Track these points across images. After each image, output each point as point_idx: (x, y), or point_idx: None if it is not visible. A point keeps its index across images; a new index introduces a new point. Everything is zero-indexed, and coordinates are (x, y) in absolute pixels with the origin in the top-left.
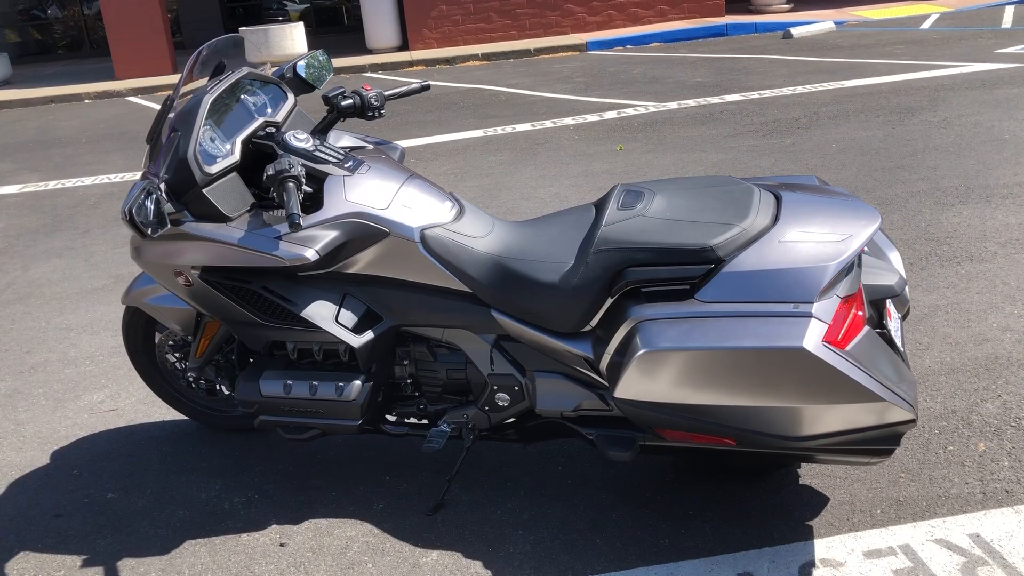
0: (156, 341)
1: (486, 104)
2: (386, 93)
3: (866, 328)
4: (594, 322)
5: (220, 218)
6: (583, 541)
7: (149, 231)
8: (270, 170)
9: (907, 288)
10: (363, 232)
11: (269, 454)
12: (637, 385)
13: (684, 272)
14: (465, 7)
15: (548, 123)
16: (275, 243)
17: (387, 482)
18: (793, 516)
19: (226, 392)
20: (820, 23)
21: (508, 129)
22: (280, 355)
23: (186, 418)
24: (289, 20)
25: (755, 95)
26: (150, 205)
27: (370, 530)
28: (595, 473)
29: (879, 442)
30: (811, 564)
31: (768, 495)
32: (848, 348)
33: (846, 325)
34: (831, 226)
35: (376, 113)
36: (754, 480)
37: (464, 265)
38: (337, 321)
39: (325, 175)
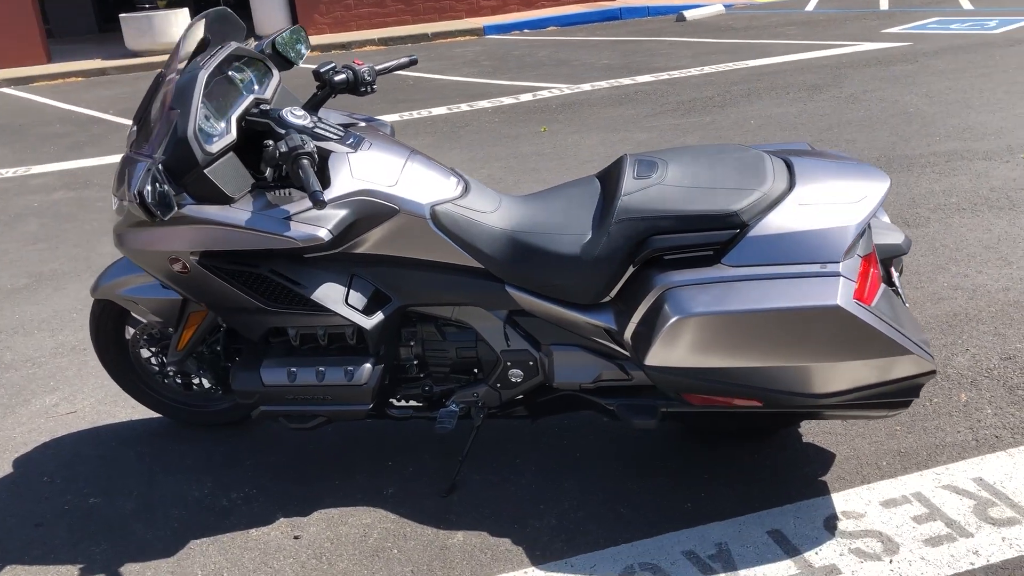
0: (128, 336)
1: (394, 89)
2: (376, 68)
3: (883, 285)
4: (614, 292)
5: (222, 200)
6: (607, 512)
7: (159, 214)
8: (283, 147)
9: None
10: (372, 210)
11: (256, 447)
12: (669, 352)
13: (710, 238)
14: None
15: (464, 106)
16: (285, 224)
17: (391, 467)
18: (806, 473)
19: (206, 385)
20: (711, 6)
21: (424, 113)
22: (278, 342)
23: (157, 416)
24: (157, 7)
25: (665, 76)
26: (160, 187)
27: (386, 516)
28: (601, 445)
29: (900, 394)
30: (834, 517)
31: (776, 455)
32: (872, 304)
33: (869, 283)
34: (846, 188)
35: (368, 88)
36: (758, 441)
37: (476, 241)
38: (347, 303)
39: (328, 152)
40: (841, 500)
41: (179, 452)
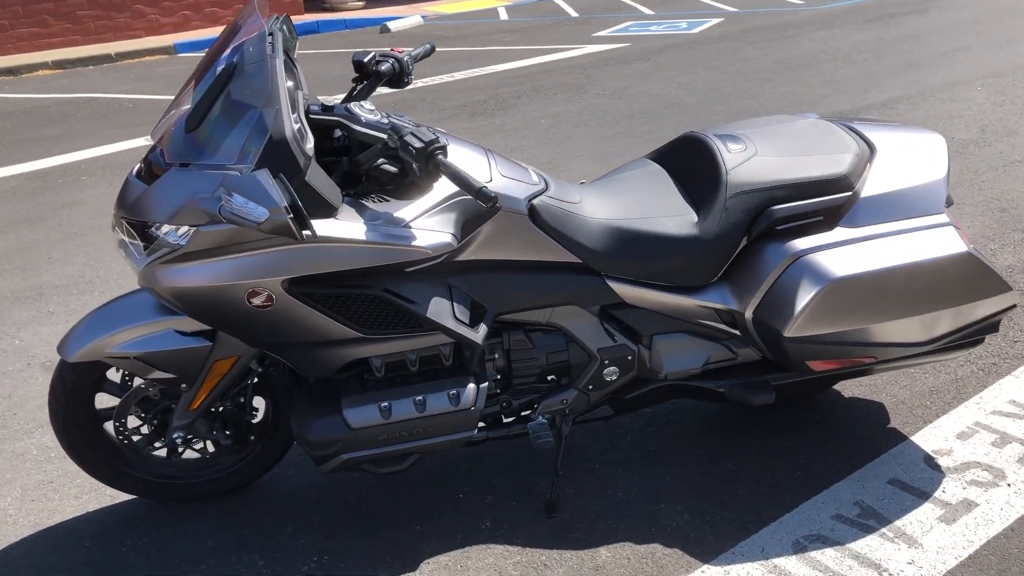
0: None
1: (113, 113)
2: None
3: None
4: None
5: (322, 212)
6: (730, 496)
7: (312, 230)
8: (414, 142)
9: None
10: (475, 210)
11: (277, 510)
12: (812, 320)
13: (826, 203)
14: (12, 9)
15: None
16: (408, 232)
17: (463, 499)
18: (873, 425)
19: (211, 449)
20: (409, 17)
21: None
22: (347, 378)
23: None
24: None
25: (421, 83)
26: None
27: (507, 549)
28: (665, 437)
29: (984, 331)
30: (930, 457)
31: (829, 417)
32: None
33: (962, 229)
34: (917, 146)
35: (409, 80)
36: (799, 406)
37: (574, 234)
38: (456, 318)
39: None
40: (922, 442)
41: (188, 535)
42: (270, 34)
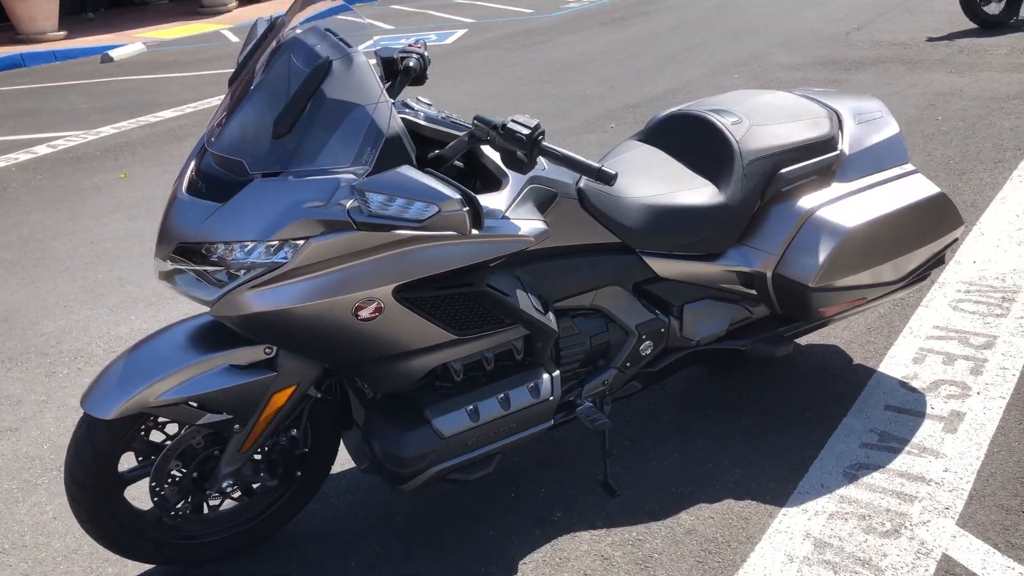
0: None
1: None
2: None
3: None
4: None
5: None
6: (763, 446)
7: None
8: (521, 130)
9: None
10: (542, 197)
11: (333, 543)
12: (833, 268)
13: (823, 162)
14: None
15: None
16: (511, 223)
17: (517, 498)
18: (842, 368)
19: (242, 495)
20: (131, 45)
21: None
22: (420, 388)
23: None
24: None
25: (178, 111)
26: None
27: (594, 534)
28: (666, 413)
29: (936, 264)
30: (902, 382)
31: (801, 370)
32: None
33: None
34: (868, 107)
35: (426, 76)
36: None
37: (614, 215)
38: (536, 308)
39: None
40: (889, 371)
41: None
42: (327, 30)
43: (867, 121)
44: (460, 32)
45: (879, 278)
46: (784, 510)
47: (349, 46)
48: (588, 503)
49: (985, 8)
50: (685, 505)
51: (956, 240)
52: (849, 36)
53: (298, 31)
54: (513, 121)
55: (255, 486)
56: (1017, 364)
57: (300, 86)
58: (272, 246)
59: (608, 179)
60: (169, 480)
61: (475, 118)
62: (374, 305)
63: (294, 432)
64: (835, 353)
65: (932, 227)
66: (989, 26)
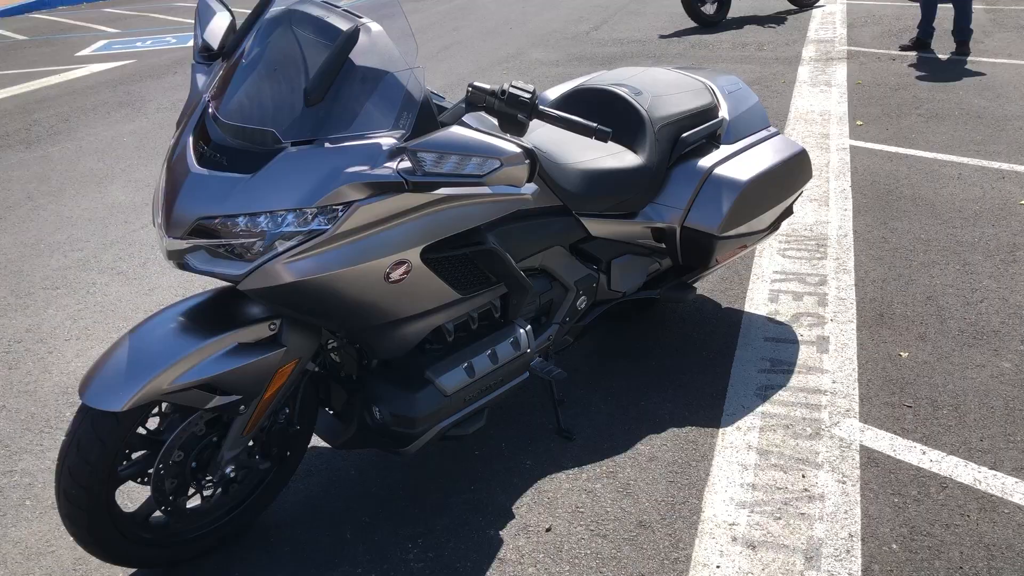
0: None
1: None
2: None
3: None
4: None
5: None
6: (680, 382)
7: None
8: (523, 95)
9: None
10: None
11: (319, 519)
12: (733, 219)
13: (713, 127)
14: None
15: None
16: None
17: (483, 455)
18: (715, 313)
19: (250, 473)
20: None
21: None
22: (413, 351)
23: None
24: None
25: None
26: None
27: (569, 474)
28: (582, 367)
29: (787, 215)
30: (768, 318)
31: (683, 319)
32: None
33: None
34: (727, 81)
35: None
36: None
37: (558, 179)
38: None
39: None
40: (753, 310)
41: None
42: (335, 5)
43: (734, 91)
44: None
45: (760, 226)
46: (721, 430)
47: (358, 16)
48: (551, 449)
49: (703, 8)
50: (635, 439)
51: (802, 192)
52: (589, 35)
53: (295, 3)
54: (513, 86)
55: (240, 471)
56: (851, 295)
57: (331, 54)
58: (309, 214)
59: (604, 136)
60: (170, 472)
61: (471, 85)
62: (404, 267)
63: (287, 410)
64: (704, 301)
65: (795, 179)
66: (706, 25)
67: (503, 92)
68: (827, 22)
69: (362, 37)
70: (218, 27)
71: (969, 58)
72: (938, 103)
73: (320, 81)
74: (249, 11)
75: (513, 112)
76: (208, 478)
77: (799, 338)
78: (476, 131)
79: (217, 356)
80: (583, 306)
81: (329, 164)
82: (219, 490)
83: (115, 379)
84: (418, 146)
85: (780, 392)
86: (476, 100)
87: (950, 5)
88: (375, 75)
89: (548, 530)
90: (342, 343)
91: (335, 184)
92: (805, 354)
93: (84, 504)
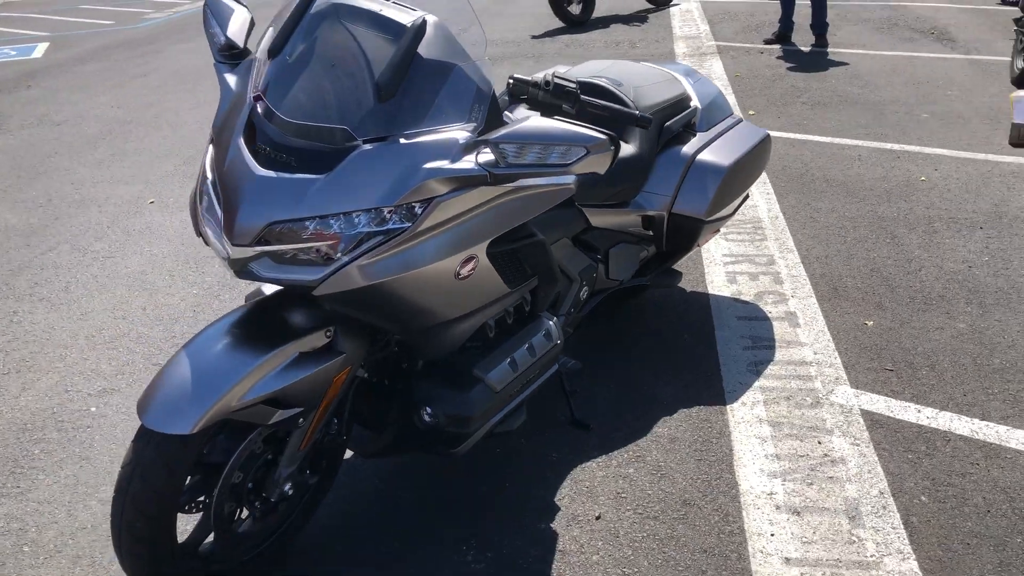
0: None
1: None
2: None
3: None
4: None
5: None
6: (676, 365)
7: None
8: (568, 85)
9: None
10: None
11: (358, 524)
12: (717, 202)
13: (688, 115)
14: None
15: None
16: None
17: (503, 454)
18: (685, 300)
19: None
20: None
21: None
22: (454, 351)
23: None
24: None
25: None
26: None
27: (598, 463)
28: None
29: (747, 196)
30: (733, 298)
31: (651, 308)
32: None
33: None
34: (688, 72)
35: None
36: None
37: None
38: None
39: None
40: (717, 292)
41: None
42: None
43: (696, 81)
44: (43, 45)
45: (731, 209)
46: (729, 406)
47: (413, 8)
48: (571, 441)
49: (569, 8)
50: (650, 423)
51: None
52: (460, 37)
53: None
54: (557, 77)
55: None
56: (801, 272)
57: (400, 48)
58: (387, 213)
59: (647, 123)
60: (231, 495)
61: (512, 77)
62: (472, 263)
63: (335, 421)
64: (670, 291)
65: (762, 162)
66: (574, 24)
67: (547, 83)
68: (687, 19)
69: (434, 31)
70: (238, 25)
71: (829, 49)
72: (816, 92)
73: (392, 76)
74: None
75: (559, 103)
76: (264, 497)
77: (769, 315)
78: (558, 120)
79: (281, 368)
80: (584, 296)
81: (408, 160)
82: (273, 510)
83: (181, 400)
84: (501, 138)
85: (770, 367)
86: (518, 92)
87: (807, 1)
88: (443, 68)
89: (598, 518)
90: (388, 347)
91: (415, 180)
92: (780, 329)
93: (148, 536)
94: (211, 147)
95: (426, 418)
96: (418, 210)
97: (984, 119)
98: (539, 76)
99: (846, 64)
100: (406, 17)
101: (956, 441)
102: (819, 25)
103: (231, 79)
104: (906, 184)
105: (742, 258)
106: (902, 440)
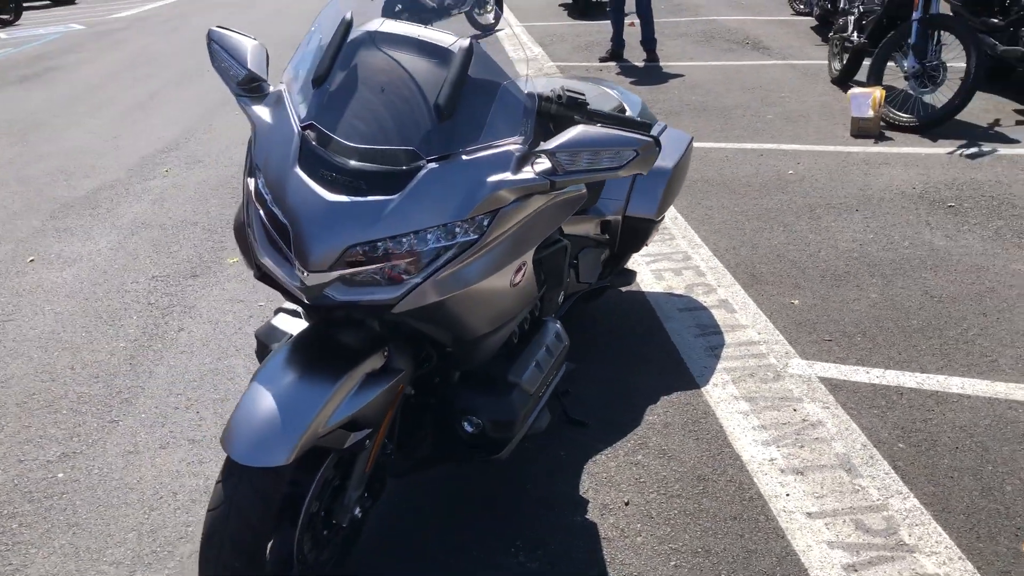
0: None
1: None
2: None
3: None
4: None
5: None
6: (645, 359)
7: None
8: (579, 97)
9: None
10: None
11: (397, 538)
12: (665, 201)
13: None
14: None
15: None
16: None
17: (510, 460)
18: (629, 305)
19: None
20: None
21: None
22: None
23: None
24: None
25: None
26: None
27: (609, 453)
28: None
29: None
30: (689, 301)
31: (596, 317)
32: None
33: None
34: (609, 83)
35: None
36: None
37: None
38: None
39: None
40: (651, 288)
41: None
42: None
43: (622, 93)
44: None
45: (670, 206)
46: (703, 389)
47: (450, 33)
48: (572, 438)
49: None
50: (638, 413)
51: None
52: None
53: (380, 25)
54: (566, 90)
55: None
56: (718, 264)
57: (455, 69)
58: (457, 228)
59: (648, 130)
60: (312, 525)
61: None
62: (523, 269)
63: (386, 440)
64: (629, 294)
65: (688, 163)
66: None
67: (559, 97)
68: (516, 44)
69: (480, 50)
70: (256, 57)
71: (661, 63)
72: (664, 102)
73: (450, 96)
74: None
75: (570, 114)
76: (334, 524)
77: (705, 304)
78: (602, 126)
79: (355, 391)
80: (561, 300)
81: (473, 175)
82: (339, 536)
83: (270, 432)
84: (559, 147)
85: (725, 349)
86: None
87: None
88: (491, 86)
89: (627, 504)
90: (430, 361)
91: (483, 193)
92: (720, 316)
93: (245, 575)
94: (252, 180)
95: (469, 428)
96: (484, 222)
97: (822, 116)
98: (547, 90)
99: (682, 75)
100: (447, 40)
101: (908, 394)
102: (648, 41)
103: (261, 111)
104: (777, 178)
105: (660, 256)
106: (863, 399)
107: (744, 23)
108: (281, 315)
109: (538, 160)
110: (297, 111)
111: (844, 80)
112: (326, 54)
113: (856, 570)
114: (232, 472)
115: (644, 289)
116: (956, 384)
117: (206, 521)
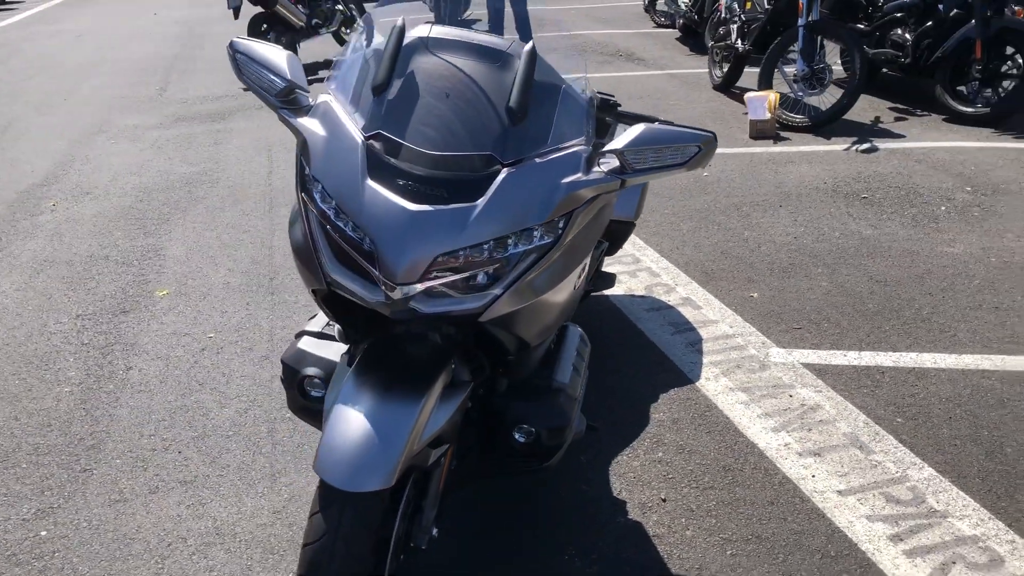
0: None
1: None
2: None
3: None
4: None
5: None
6: (635, 363)
7: None
8: (610, 98)
9: None
10: None
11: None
12: (641, 205)
13: None
14: None
15: None
16: None
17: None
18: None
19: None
20: None
21: None
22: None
23: None
24: None
25: None
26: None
27: (628, 454)
28: None
29: None
30: (636, 296)
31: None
32: None
33: None
34: None
35: None
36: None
37: None
38: None
39: None
40: (617, 293)
41: None
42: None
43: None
44: None
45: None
46: (697, 384)
47: (502, 37)
48: (588, 443)
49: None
50: (643, 412)
51: None
52: (164, 96)
53: (429, 31)
54: (599, 92)
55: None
56: (669, 264)
57: (523, 73)
58: (536, 231)
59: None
60: (401, 548)
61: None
62: (584, 270)
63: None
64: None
65: None
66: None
67: (591, 100)
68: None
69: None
70: (292, 67)
71: None
72: None
73: (521, 99)
74: None
75: (602, 115)
76: (412, 547)
77: (670, 303)
78: (664, 123)
79: (437, 406)
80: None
81: (549, 178)
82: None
83: (367, 455)
84: (627, 147)
85: (705, 344)
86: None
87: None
88: (552, 89)
89: (664, 500)
90: (484, 372)
91: (559, 195)
92: (688, 313)
93: None
94: (309, 195)
95: (521, 437)
96: (560, 224)
97: (716, 121)
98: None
99: None
100: (501, 43)
101: (889, 372)
102: None
103: (311, 123)
104: (695, 181)
105: (610, 261)
106: (849, 380)
107: (612, 36)
108: (306, 338)
109: (603, 160)
110: (360, 121)
111: (727, 87)
112: (383, 62)
113: (902, 539)
114: (332, 500)
115: (609, 293)
116: (928, 360)
117: (303, 557)
